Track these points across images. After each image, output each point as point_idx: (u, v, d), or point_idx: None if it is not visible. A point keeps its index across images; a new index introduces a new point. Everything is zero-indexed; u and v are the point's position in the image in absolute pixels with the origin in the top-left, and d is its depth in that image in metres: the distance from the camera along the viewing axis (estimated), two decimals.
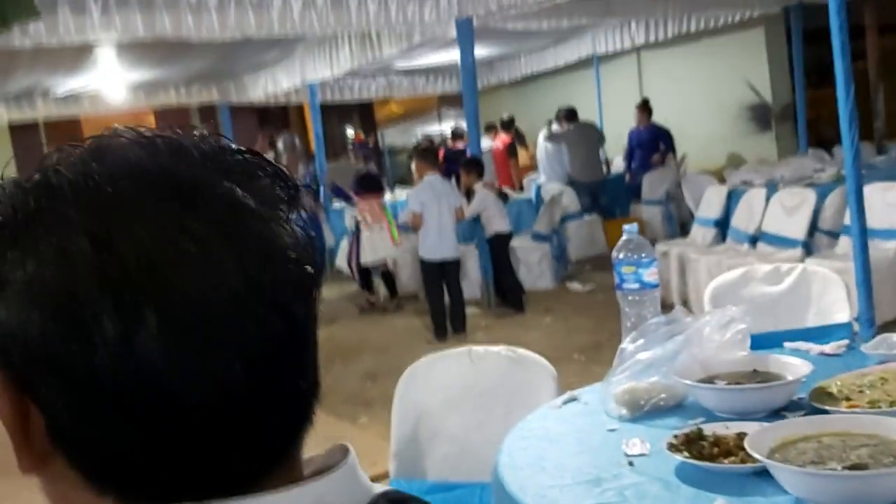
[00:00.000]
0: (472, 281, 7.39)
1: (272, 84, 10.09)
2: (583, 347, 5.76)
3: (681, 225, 9.63)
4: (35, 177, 0.52)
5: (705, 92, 11.20)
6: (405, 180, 17.75)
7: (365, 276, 7.97)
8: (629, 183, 10.22)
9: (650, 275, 1.89)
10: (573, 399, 1.89)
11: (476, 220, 7.01)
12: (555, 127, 10.31)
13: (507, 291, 7.13)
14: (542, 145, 10.43)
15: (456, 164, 10.16)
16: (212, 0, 5.83)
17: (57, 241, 0.48)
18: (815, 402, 1.60)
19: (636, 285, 1.89)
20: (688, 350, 1.75)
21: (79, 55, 7.29)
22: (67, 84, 9.28)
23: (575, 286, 7.69)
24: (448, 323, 6.58)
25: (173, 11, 5.70)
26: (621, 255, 1.92)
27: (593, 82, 11.83)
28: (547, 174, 10.36)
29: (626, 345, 1.83)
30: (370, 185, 7.89)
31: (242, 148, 0.55)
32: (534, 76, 12.44)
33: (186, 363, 0.48)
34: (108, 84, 9.46)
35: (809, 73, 9.73)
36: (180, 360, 0.48)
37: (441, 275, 6.49)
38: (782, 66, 10.36)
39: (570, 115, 9.90)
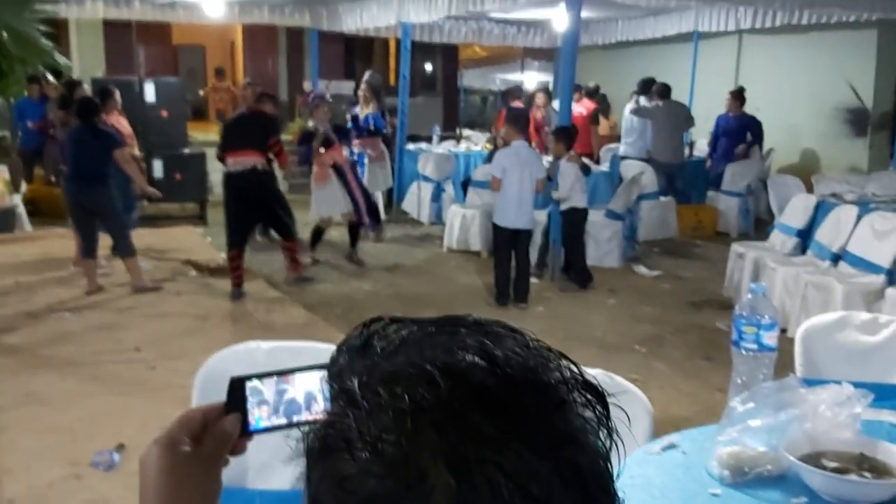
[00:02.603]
0: (538, 249, 7.35)
1: (367, 18, 10.03)
2: (645, 339, 5.75)
3: (755, 219, 9.47)
4: (385, 387, 0.55)
5: (803, 86, 10.84)
6: (474, 123, 17.69)
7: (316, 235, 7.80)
8: (709, 170, 10.02)
9: (770, 338, 1.89)
10: (672, 446, 1.92)
11: (553, 188, 6.96)
12: (643, 100, 10.12)
13: (574, 268, 7.12)
14: (627, 117, 10.24)
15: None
16: None
17: (417, 465, 0.51)
18: None
19: (754, 346, 1.89)
20: (799, 424, 1.76)
21: None
22: None
23: (641, 269, 7.64)
24: (511, 290, 6.60)
25: None
26: (744, 313, 1.91)
27: (689, 58, 11.52)
28: (626, 147, 10.21)
29: (736, 404, 1.84)
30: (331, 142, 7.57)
31: (557, 357, 0.58)
32: (627, 43, 12.15)
33: None
34: None
35: None
36: None
37: (512, 242, 6.49)
38: (890, 72, 9.97)
39: (663, 90, 9.68)
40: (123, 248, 6.71)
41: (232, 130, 6.77)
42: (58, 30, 12.17)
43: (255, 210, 6.61)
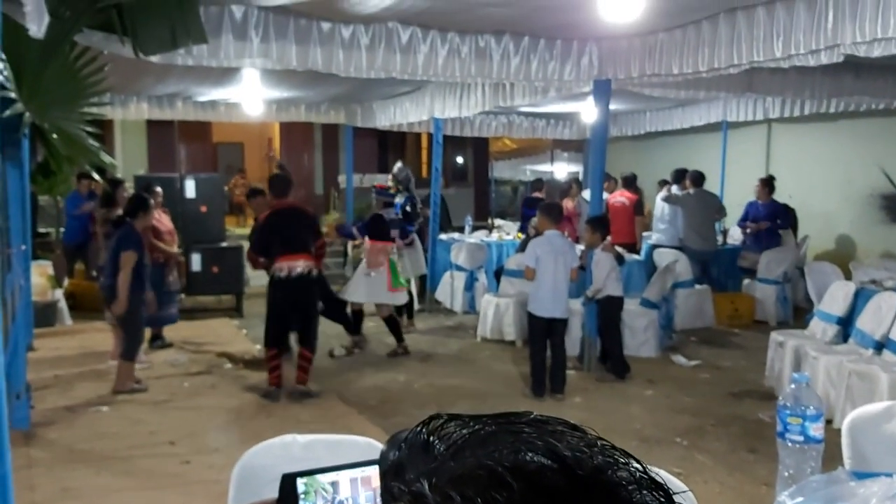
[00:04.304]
0: (574, 338, 7.30)
1: (399, 114, 10.31)
2: (686, 431, 5.61)
3: (793, 307, 9.34)
4: (456, 490, 0.54)
5: (835, 173, 10.85)
6: (505, 213, 17.86)
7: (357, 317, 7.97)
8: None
9: (816, 429, 1.85)
10: None
11: (587, 277, 6.97)
12: (674, 188, 10.18)
13: (611, 358, 7.04)
14: (659, 205, 10.30)
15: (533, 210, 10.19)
16: (363, 39, 6.03)
17: None
18: None
19: (800, 437, 1.85)
20: None
21: (228, 71, 7.62)
22: (210, 93, 9.70)
23: (679, 359, 7.53)
24: (547, 380, 6.53)
25: (327, 47, 5.91)
26: (788, 404, 1.88)
27: (718, 147, 11.62)
28: (658, 235, 10.23)
29: (785, 499, 1.79)
30: (380, 232, 7.82)
31: (623, 455, 0.58)
32: (656, 133, 12.30)
33: None
34: (248, 98, 9.85)
35: None
36: None
37: (547, 332, 6.46)
38: None
39: (696, 179, 9.74)
40: (126, 351, 6.60)
41: (280, 231, 6.35)
42: (103, 129, 12.67)
43: (298, 315, 6.47)
